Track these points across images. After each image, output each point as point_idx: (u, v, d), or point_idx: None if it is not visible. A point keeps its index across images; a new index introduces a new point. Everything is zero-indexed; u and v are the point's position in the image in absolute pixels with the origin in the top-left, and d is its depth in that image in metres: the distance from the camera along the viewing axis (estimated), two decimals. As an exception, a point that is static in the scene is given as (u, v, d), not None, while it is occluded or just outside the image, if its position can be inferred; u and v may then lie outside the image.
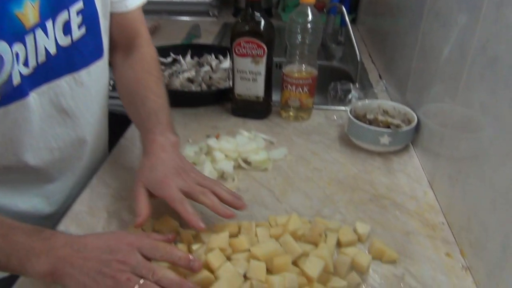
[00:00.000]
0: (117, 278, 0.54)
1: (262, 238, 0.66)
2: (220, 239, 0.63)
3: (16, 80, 0.63)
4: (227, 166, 0.85)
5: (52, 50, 0.68)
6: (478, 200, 0.64)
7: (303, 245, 0.65)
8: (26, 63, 0.64)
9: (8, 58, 0.60)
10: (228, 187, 0.80)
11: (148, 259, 0.57)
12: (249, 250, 0.62)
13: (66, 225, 0.72)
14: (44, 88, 0.69)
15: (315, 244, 0.66)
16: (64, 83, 0.72)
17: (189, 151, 0.90)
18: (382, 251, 0.66)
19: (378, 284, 0.62)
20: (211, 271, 0.58)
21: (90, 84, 0.78)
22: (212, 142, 0.89)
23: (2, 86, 0.61)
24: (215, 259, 0.58)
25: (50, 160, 0.76)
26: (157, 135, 0.75)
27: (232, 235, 0.66)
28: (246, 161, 0.89)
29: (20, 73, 0.63)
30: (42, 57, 0.67)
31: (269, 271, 0.59)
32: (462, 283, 0.63)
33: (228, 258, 0.61)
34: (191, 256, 0.58)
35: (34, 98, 0.67)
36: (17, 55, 0.62)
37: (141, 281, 0.54)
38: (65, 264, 0.55)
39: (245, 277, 0.58)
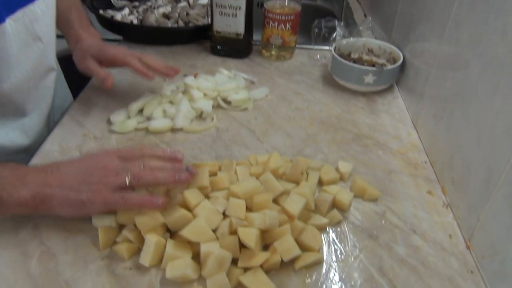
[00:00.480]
0: (104, 181, 0.53)
1: (242, 177, 0.64)
2: (200, 178, 0.60)
3: None
4: (206, 105, 0.81)
5: None
6: (462, 137, 0.63)
7: (284, 183, 0.63)
8: None
9: None
10: (207, 126, 0.78)
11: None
12: (228, 188, 0.60)
13: (37, 163, 0.68)
14: (19, 14, 0.66)
15: (297, 183, 0.64)
16: (37, 8, 0.70)
17: (166, 90, 0.85)
18: (364, 189, 0.65)
19: (359, 221, 0.62)
20: (189, 209, 0.56)
21: None
22: (189, 80, 0.85)
23: None
24: (192, 197, 0.56)
25: (25, 90, 0.73)
26: (82, 28, 0.82)
27: (212, 174, 0.64)
28: (225, 101, 0.85)
29: None
30: None
31: (248, 209, 0.57)
32: (443, 219, 0.62)
33: (207, 197, 0.59)
34: (173, 151, 0.61)
35: (10, 24, 0.64)
36: None
37: (129, 173, 0.54)
38: (44, 187, 0.53)
39: (225, 215, 0.56)
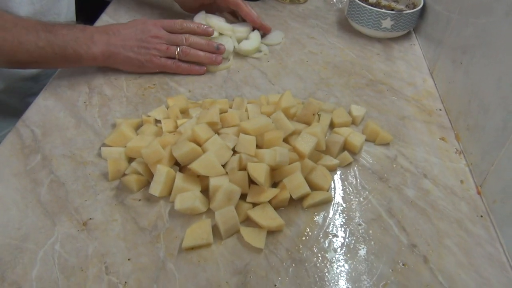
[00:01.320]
0: (158, 48, 0.70)
1: (253, 115, 0.63)
2: (210, 114, 0.59)
3: None
4: (228, 43, 0.79)
5: None
6: (481, 80, 0.60)
7: (295, 124, 0.62)
8: None
9: None
10: (224, 66, 0.77)
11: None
12: (239, 125, 0.59)
13: (45, 98, 0.68)
14: None
15: (308, 124, 0.63)
16: None
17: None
18: (376, 133, 0.63)
19: (369, 164, 0.61)
20: (199, 145, 0.56)
21: None
22: (199, 18, 0.82)
23: None
24: (202, 132, 0.55)
25: (32, 13, 0.76)
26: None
27: (222, 112, 0.63)
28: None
29: None
30: None
31: (259, 146, 0.57)
32: (455, 165, 0.62)
33: (218, 133, 0.58)
34: (203, 26, 0.75)
35: None
36: None
37: (177, 48, 0.72)
38: (109, 46, 0.68)
39: (234, 151, 0.56)
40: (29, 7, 0.76)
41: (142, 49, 0.69)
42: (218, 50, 0.74)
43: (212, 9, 0.85)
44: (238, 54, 0.81)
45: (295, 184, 0.53)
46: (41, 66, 0.69)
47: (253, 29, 0.84)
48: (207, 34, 0.75)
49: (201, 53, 0.73)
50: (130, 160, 0.58)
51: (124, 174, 0.56)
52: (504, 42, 0.56)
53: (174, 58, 0.72)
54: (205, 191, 0.53)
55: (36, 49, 0.63)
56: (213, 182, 0.52)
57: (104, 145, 0.60)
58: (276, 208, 0.53)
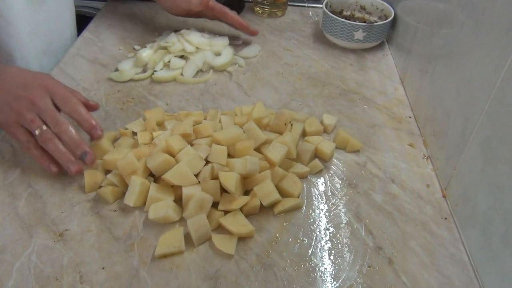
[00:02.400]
0: (23, 114, 0.55)
1: (226, 126, 0.65)
2: (183, 126, 0.61)
3: None
4: (208, 58, 0.83)
5: None
6: (444, 89, 0.63)
7: (268, 133, 0.64)
8: None
9: None
10: (203, 79, 0.78)
11: (58, 110, 0.58)
12: (212, 136, 0.61)
13: None
14: None
15: (280, 133, 0.65)
16: None
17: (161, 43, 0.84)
18: (347, 140, 0.66)
19: (340, 171, 0.63)
20: (172, 155, 0.58)
21: None
22: (172, 37, 0.84)
23: None
24: (175, 143, 0.57)
25: (18, 12, 0.72)
26: None
27: (197, 123, 0.65)
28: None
29: None
30: None
31: (231, 156, 0.59)
32: (422, 170, 0.64)
33: (191, 144, 0.60)
34: (94, 122, 0.58)
35: None
36: None
37: (44, 127, 0.56)
38: None
39: (207, 161, 0.58)
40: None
41: (6, 106, 0.56)
42: (83, 159, 0.57)
43: (199, 16, 0.89)
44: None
45: (265, 191, 0.55)
46: None
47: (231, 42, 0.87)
48: (91, 135, 0.59)
49: (62, 149, 0.56)
50: (107, 172, 0.60)
51: (101, 186, 0.58)
52: (462, 52, 0.58)
53: (33, 136, 0.57)
54: (179, 200, 0.55)
55: None
56: (186, 191, 0.54)
57: (82, 158, 0.61)
58: (248, 215, 0.55)
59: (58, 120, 0.56)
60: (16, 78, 0.58)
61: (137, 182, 0.54)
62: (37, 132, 0.56)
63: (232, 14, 0.85)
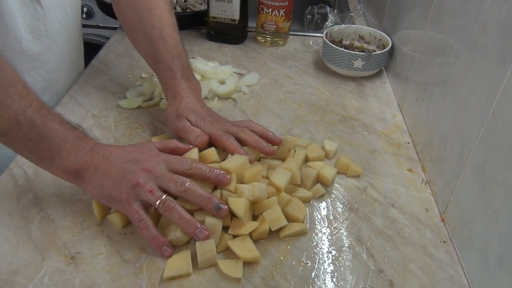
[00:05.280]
0: (141, 185, 0.53)
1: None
2: (189, 154, 0.63)
3: None
4: (213, 85, 0.85)
5: None
6: (440, 116, 0.66)
7: (272, 160, 0.67)
8: None
9: None
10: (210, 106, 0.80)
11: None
12: (219, 162, 0.63)
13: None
14: None
15: (284, 159, 0.68)
16: None
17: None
18: (347, 166, 0.68)
19: (341, 195, 0.65)
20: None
21: None
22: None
23: None
24: None
25: (19, 50, 0.73)
26: (180, 83, 0.71)
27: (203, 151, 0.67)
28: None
29: None
30: None
31: (238, 182, 0.60)
32: (421, 194, 0.66)
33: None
34: (218, 170, 0.57)
35: None
36: None
37: (163, 196, 0.53)
38: (90, 167, 0.55)
39: (216, 186, 0.60)
40: (17, 46, 0.72)
41: (122, 182, 0.53)
42: (218, 211, 0.54)
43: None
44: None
45: (274, 217, 0.57)
46: (8, 142, 0.56)
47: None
48: (220, 183, 0.57)
49: (189, 217, 0.54)
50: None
51: (110, 212, 0.60)
52: (457, 81, 0.61)
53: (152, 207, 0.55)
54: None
55: (10, 120, 0.53)
56: (197, 216, 0.56)
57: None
58: (257, 240, 0.57)
59: (180, 180, 0.54)
60: (123, 154, 0.56)
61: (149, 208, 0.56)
62: (158, 203, 0.53)
63: (229, 144, 0.65)
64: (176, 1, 1.12)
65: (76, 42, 0.87)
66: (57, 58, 0.81)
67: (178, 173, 0.56)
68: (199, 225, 0.54)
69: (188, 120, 0.68)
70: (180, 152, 0.62)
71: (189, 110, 0.69)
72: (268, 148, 0.65)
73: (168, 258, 0.53)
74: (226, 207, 0.54)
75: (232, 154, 0.63)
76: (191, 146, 0.63)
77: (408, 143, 0.76)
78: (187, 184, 0.54)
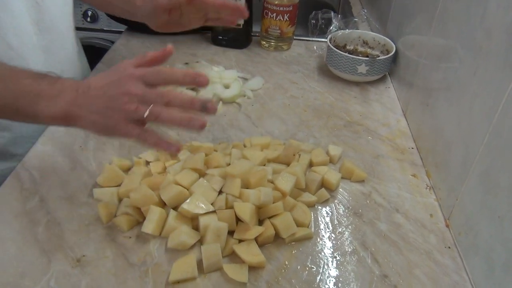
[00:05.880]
0: (126, 109, 0.54)
1: (236, 157, 0.67)
2: (195, 160, 0.64)
3: None
4: (218, 90, 0.86)
5: None
6: (445, 121, 0.66)
7: (277, 165, 0.67)
8: None
9: None
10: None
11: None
12: (223, 166, 0.64)
13: (43, 143, 0.73)
14: None
15: (289, 164, 0.68)
16: None
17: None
18: (352, 170, 0.68)
19: (346, 200, 0.65)
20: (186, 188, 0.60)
21: None
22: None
23: None
24: (184, 178, 0.61)
25: (31, 44, 0.76)
26: None
27: (208, 155, 0.68)
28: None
29: None
30: None
31: (245, 186, 0.61)
32: (425, 200, 0.66)
33: (204, 174, 0.63)
34: (194, 72, 0.56)
35: None
36: None
37: (150, 107, 0.54)
38: (74, 107, 0.56)
39: (221, 191, 0.60)
40: (28, 39, 0.76)
41: (109, 111, 0.55)
42: (205, 110, 0.55)
43: (182, 24, 0.80)
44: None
45: (285, 224, 0.57)
46: None
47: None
48: (198, 84, 0.57)
49: (177, 116, 0.54)
50: (121, 199, 0.62)
51: (116, 215, 0.60)
52: (461, 87, 0.62)
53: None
54: (196, 229, 0.58)
55: None
56: (202, 221, 0.56)
57: (96, 185, 0.64)
58: (262, 244, 0.57)
59: (161, 93, 0.55)
60: (100, 83, 0.57)
61: (155, 211, 0.57)
62: (146, 114, 0.54)
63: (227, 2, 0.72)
64: (181, 6, 1.13)
65: (74, 32, 0.90)
66: (65, 48, 0.86)
67: (156, 85, 0.57)
68: (193, 116, 0.54)
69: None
70: (158, 60, 0.60)
71: None
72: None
73: (178, 152, 0.56)
74: (213, 104, 0.55)
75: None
76: (166, 49, 0.61)
77: (412, 148, 0.77)
78: (169, 93, 0.55)
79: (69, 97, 0.56)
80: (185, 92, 0.81)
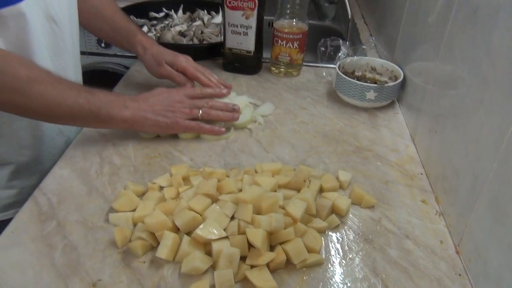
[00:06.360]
0: (183, 111, 0.80)
1: (247, 183, 0.69)
2: (207, 186, 0.65)
3: None
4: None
5: None
6: (453, 149, 0.67)
7: (288, 191, 0.68)
8: None
9: None
10: (226, 136, 0.86)
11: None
12: (235, 192, 0.65)
13: (61, 167, 0.75)
14: None
15: (299, 190, 0.69)
16: None
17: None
18: (362, 196, 0.69)
19: (356, 226, 0.66)
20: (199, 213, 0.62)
21: None
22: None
23: None
24: (197, 204, 0.62)
25: (49, 69, 0.79)
26: (144, 35, 0.94)
27: (220, 180, 0.69)
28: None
29: None
30: None
31: (256, 212, 0.62)
32: (435, 226, 0.67)
33: (217, 199, 0.64)
34: (220, 88, 0.90)
35: (27, 4, 0.70)
36: None
37: (201, 111, 0.81)
38: (139, 111, 0.77)
39: (233, 217, 0.61)
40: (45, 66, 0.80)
41: (168, 113, 0.78)
42: (234, 110, 0.85)
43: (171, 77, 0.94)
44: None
45: (297, 251, 0.58)
46: (77, 122, 0.77)
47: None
48: (222, 95, 0.88)
49: (221, 113, 0.83)
50: (136, 225, 0.63)
51: (131, 240, 0.61)
52: (468, 114, 0.63)
53: (197, 119, 0.81)
54: (209, 254, 0.59)
55: (75, 105, 0.70)
56: (215, 246, 0.57)
57: (111, 209, 0.66)
58: (274, 270, 0.58)
59: (204, 101, 0.83)
60: (155, 97, 0.80)
61: (169, 237, 0.58)
62: (200, 114, 0.81)
63: (204, 77, 0.91)
64: (194, 33, 1.16)
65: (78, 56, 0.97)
66: (78, 73, 0.92)
67: (197, 98, 0.84)
68: (231, 113, 0.85)
69: (167, 63, 0.91)
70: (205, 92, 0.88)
71: (162, 54, 0.91)
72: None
73: (224, 133, 0.84)
74: (238, 106, 0.87)
75: (204, 86, 0.90)
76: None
77: (421, 174, 0.78)
78: (209, 101, 0.84)
79: (135, 105, 0.76)
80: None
